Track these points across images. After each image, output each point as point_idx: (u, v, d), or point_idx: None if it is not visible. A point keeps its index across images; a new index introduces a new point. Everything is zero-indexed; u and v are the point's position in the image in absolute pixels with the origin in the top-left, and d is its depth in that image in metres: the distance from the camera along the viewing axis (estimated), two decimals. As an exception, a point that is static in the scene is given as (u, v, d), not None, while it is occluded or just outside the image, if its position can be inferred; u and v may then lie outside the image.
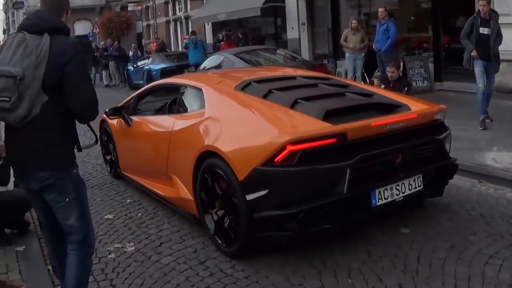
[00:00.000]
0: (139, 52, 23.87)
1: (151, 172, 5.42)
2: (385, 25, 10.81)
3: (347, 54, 11.70)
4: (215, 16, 18.53)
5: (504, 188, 5.50)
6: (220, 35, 17.30)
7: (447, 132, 4.52)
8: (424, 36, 12.80)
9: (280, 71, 6.63)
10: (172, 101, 5.63)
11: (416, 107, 4.47)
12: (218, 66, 11.53)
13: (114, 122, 6.31)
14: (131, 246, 4.47)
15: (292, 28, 16.20)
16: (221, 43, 16.09)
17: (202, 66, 12.73)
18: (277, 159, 3.57)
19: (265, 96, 4.41)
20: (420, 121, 4.30)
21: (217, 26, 20.03)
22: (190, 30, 20.00)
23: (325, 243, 4.12)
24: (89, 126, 3.21)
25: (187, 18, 24.82)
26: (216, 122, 4.32)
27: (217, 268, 3.95)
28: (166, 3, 27.21)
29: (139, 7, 30.15)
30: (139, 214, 5.28)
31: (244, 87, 4.66)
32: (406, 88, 7.24)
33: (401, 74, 7.45)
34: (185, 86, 5.25)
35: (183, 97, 5.23)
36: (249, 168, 3.64)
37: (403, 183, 4.06)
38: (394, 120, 4.07)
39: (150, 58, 18.35)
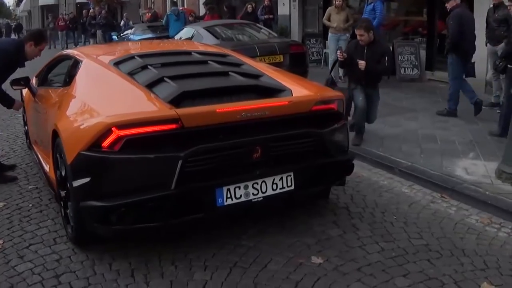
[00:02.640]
0: (131, 23, 22.89)
1: (42, 147, 5.05)
2: (371, 4, 9.71)
3: (329, 34, 10.66)
4: None
5: (470, 209, 4.40)
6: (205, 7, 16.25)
7: (336, 126, 3.92)
8: (420, 20, 11.52)
9: (184, 46, 6.02)
10: (66, 73, 5.09)
11: (300, 92, 3.93)
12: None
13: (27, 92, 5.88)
14: (-1, 244, 3.90)
15: (284, 4, 15.19)
16: (205, 16, 14.97)
17: (175, 38, 11.80)
18: (104, 144, 3.22)
19: (132, 73, 4.04)
20: (293, 110, 3.71)
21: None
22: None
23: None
24: None
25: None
26: (72, 98, 4.10)
27: (69, 286, 3.31)
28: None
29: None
30: (30, 205, 4.72)
31: (121, 61, 4.33)
32: (383, 58, 6.02)
33: (375, 39, 6.03)
34: (75, 58, 4.89)
35: (69, 69, 4.93)
36: (75, 152, 3.35)
37: (264, 181, 3.56)
38: (250, 107, 3.52)
39: (133, 28, 17.47)
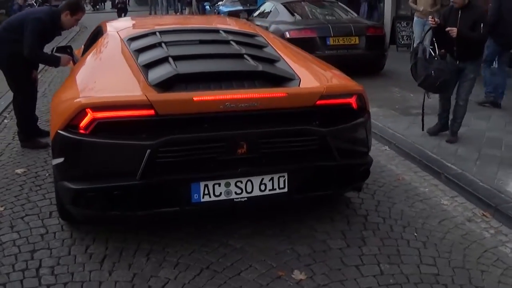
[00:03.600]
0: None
1: None
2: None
3: (415, 18, 9.79)
4: None
5: (510, 234, 3.70)
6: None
7: (346, 125, 3.42)
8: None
9: (219, 23, 5.53)
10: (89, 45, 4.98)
11: (307, 84, 3.46)
12: (265, 15, 10.70)
13: None
14: None
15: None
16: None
17: (255, 13, 11.56)
18: (81, 125, 3.04)
19: (139, 50, 3.76)
20: (292, 103, 3.29)
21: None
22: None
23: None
24: None
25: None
26: (74, 73, 3.94)
27: (38, 263, 3.24)
28: None
29: None
30: (47, 175, 4.67)
31: (136, 37, 4.08)
32: (478, 24, 5.17)
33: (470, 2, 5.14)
34: (101, 29, 4.78)
35: (92, 41, 4.78)
36: (54, 130, 3.23)
37: (249, 180, 3.20)
38: (234, 97, 3.14)
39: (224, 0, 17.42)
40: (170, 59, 3.47)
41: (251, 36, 4.40)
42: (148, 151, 2.96)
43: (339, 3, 10.98)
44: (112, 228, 3.59)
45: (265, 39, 4.30)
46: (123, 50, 3.86)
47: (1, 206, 4.01)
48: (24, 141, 5.44)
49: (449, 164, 4.82)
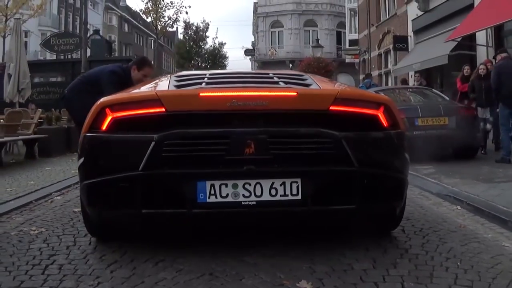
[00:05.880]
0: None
1: None
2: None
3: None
4: (411, 66, 18.37)
5: None
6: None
7: (369, 133, 3.21)
8: None
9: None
10: None
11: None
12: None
13: None
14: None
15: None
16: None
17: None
18: (100, 123, 3.16)
19: (180, 81, 3.78)
20: (303, 105, 3.18)
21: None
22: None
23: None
24: None
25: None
26: None
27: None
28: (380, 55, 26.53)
29: (357, 60, 30.30)
30: None
31: (184, 76, 4.16)
32: None
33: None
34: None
35: None
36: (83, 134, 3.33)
37: (258, 183, 3.03)
38: (241, 95, 3.13)
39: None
40: (203, 83, 3.55)
41: (299, 75, 4.34)
42: (153, 143, 2.98)
43: (433, 89, 10.82)
44: (135, 246, 3.53)
45: (311, 77, 4.20)
46: (165, 81, 3.98)
47: (44, 228, 4.14)
48: None
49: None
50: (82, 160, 3.27)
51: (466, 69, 10.76)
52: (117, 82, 5.41)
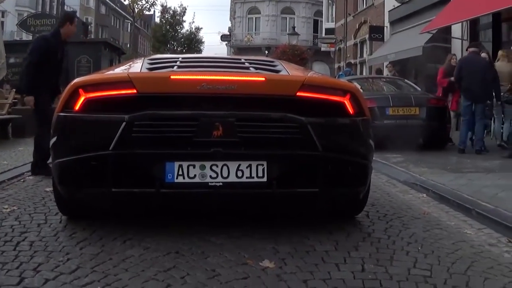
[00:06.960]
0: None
1: None
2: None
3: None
4: (385, 56, 18.61)
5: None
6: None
7: (334, 119, 3.32)
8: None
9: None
10: None
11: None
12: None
13: None
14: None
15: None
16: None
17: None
18: (73, 104, 3.21)
19: (152, 64, 3.83)
20: (271, 90, 3.25)
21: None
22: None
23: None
24: None
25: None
26: None
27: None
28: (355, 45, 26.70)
29: (332, 48, 30.52)
30: None
31: (157, 59, 4.19)
32: None
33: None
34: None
35: None
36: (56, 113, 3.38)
37: (225, 165, 3.12)
38: (211, 79, 3.19)
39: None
40: (175, 66, 3.60)
41: (270, 61, 4.43)
42: (123, 123, 3.03)
43: (406, 80, 10.96)
44: (105, 224, 3.58)
45: (282, 64, 4.25)
46: (138, 63, 4.01)
47: (16, 206, 4.16)
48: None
49: (483, 203, 4.40)
50: (54, 139, 3.31)
51: (454, 60, 9.75)
52: (45, 47, 5.56)
